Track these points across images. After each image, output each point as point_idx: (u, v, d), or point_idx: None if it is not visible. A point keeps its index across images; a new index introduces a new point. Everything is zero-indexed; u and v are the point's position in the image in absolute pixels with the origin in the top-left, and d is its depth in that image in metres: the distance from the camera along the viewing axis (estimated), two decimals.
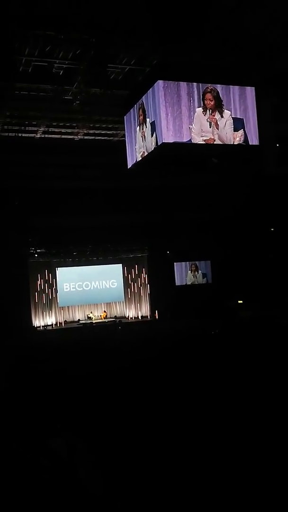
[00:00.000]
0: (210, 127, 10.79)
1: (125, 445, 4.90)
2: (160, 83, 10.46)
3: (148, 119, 11.23)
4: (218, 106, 10.91)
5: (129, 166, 12.89)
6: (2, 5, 10.40)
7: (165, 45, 11.99)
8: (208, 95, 10.80)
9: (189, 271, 22.78)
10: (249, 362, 7.98)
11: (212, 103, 10.83)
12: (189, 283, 22.64)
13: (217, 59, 12.30)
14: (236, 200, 20.47)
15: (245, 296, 20.43)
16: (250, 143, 11.28)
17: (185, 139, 10.59)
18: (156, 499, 4.00)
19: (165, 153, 11.05)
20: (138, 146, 11.98)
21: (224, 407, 5.60)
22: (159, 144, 10.56)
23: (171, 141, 10.47)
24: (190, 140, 10.64)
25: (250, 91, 11.36)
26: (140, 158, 11.85)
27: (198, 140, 10.71)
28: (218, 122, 10.87)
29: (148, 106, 11.16)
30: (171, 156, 11.79)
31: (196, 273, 22.78)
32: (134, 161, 12.40)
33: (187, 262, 22.79)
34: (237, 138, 11.08)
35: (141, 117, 11.59)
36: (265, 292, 19.18)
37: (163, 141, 10.40)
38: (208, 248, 21.81)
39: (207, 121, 10.80)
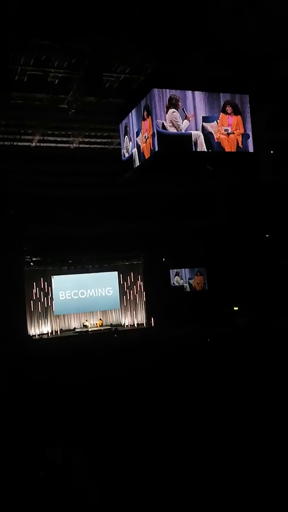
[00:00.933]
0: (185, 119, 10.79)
1: (122, 453, 4.88)
2: (152, 92, 10.51)
3: (139, 134, 11.30)
4: None
5: (125, 174, 12.92)
6: None
7: (160, 53, 12.07)
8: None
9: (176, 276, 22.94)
10: (246, 369, 7.98)
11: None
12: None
13: (213, 68, 12.38)
14: (232, 207, 20.54)
15: (241, 302, 20.45)
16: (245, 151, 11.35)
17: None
18: (153, 506, 3.98)
19: (161, 159, 11.08)
20: (133, 160, 12.03)
21: (222, 414, 5.59)
22: (156, 150, 10.58)
23: (168, 132, 10.45)
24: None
25: (244, 99, 11.43)
26: (137, 166, 11.88)
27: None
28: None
29: (141, 118, 11.21)
30: (167, 164, 11.82)
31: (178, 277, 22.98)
32: (130, 169, 12.42)
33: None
34: None
35: (135, 129, 11.63)
36: (261, 298, 19.20)
37: (158, 130, 10.37)
38: (204, 255, 21.82)
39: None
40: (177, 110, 10.60)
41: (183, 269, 22.91)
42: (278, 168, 17.64)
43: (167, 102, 10.55)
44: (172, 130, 10.54)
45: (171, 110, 10.55)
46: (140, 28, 11.07)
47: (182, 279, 22.92)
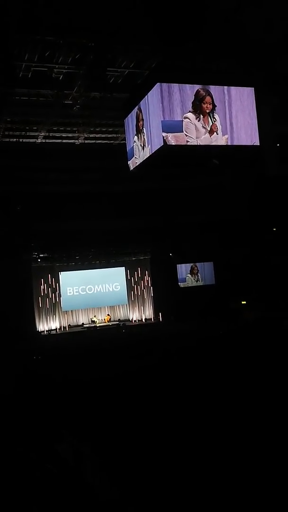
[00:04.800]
0: (205, 133, 10.79)
1: (131, 449, 4.88)
2: (157, 86, 10.48)
3: (145, 128, 11.27)
4: (212, 110, 10.93)
5: (130, 169, 12.90)
6: (1, 11, 10.43)
7: (164, 48, 12.01)
8: (208, 99, 10.80)
9: (189, 274, 22.76)
10: (254, 364, 7.96)
11: (210, 107, 10.83)
12: (190, 285, 22.64)
13: (217, 61, 12.31)
14: (238, 201, 20.45)
15: (249, 297, 20.39)
16: (251, 144, 11.31)
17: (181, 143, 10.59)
18: (164, 501, 3.98)
19: (167, 155, 11.06)
20: (138, 154, 12.01)
21: (230, 411, 5.58)
22: (160, 146, 10.56)
23: (173, 144, 10.48)
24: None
25: (250, 92, 11.37)
26: (143, 160, 11.86)
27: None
28: (218, 126, 10.90)
29: (146, 112, 11.17)
30: (173, 158, 11.80)
31: (197, 276, 22.79)
32: (136, 164, 12.41)
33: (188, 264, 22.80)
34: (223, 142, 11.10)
35: (140, 123, 11.60)
36: (269, 293, 19.14)
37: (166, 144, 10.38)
38: (211, 249, 21.77)
39: (203, 127, 10.78)
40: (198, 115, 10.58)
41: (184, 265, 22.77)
42: (284, 161, 17.53)
43: (193, 98, 10.54)
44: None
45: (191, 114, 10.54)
46: (143, 22, 11.00)
47: (196, 276, 22.69)
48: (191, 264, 22.69)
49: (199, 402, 5.96)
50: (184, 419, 5.49)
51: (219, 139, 10.94)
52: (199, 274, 22.74)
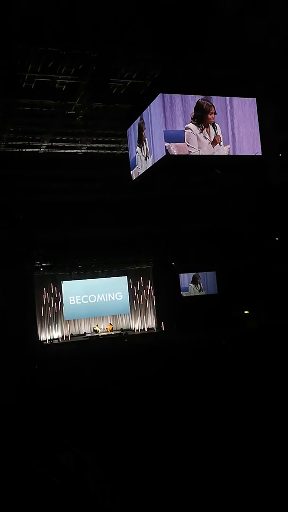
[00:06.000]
0: (208, 144, 10.85)
1: (134, 458, 4.86)
2: (160, 96, 10.54)
3: (147, 138, 11.33)
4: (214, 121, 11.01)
5: (133, 178, 12.95)
6: (4, 22, 10.53)
7: (167, 58, 12.09)
8: (212, 110, 10.87)
9: (192, 284, 22.73)
10: (258, 372, 7.93)
11: (213, 118, 10.90)
12: (193, 294, 22.61)
13: (218, 71, 12.38)
14: (240, 210, 20.48)
15: (252, 306, 20.34)
16: (253, 154, 11.35)
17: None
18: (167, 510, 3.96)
19: (169, 165, 11.10)
20: (140, 164, 12.06)
21: (235, 419, 5.55)
22: (162, 156, 10.61)
23: (175, 154, 10.52)
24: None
25: (251, 102, 11.44)
26: (145, 170, 11.91)
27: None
28: (220, 137, 10.96)
29: (148, 122, 11.24)
30: (175, 168, 11.85)
31: (199, 285, 22.78)
32: (138, 174, 12.46)
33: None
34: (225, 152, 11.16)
35: (143, 134, 11.66)
36: (272, 302, 19.10)
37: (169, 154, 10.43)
38: (214, 258, 21.75)
39: (205, 138, 10.84)
40: (200, 126, 10.64)
41: (186, 275, 22.76)
42: (286, 169, 17.56)
43: (192, 112, 10.60)
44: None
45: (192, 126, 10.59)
46: (145, 32, 11.10)
47: (199, 285, 22.69)
48: (194, 273, 22.66)
49: (202, 412, 5.93)
50: (187, 428, 5.47)
51: (221, 150, 10.99)
52: (201, 284, 22.70)
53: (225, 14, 10.80)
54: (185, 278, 22.73)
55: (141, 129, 11.91)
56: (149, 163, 11.55)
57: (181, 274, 22.61)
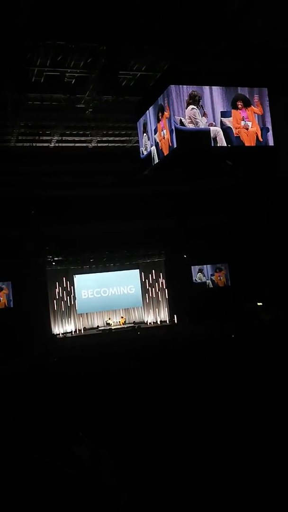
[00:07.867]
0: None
1: (149, 452, 4.87)
2: (171, 88, 10.46)
3: (159, 130, 11.27)
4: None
5: (143, 171, 12.89)
6: (12, 17, 10.52)
7: (175, 51, 12.00)
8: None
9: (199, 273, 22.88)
10: (271, 366, 7.88)
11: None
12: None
13: (228, 62, 12.26)
14: (252, 202, 20.35)
15: (264, 298, 20.23)
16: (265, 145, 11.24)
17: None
18: (180, 504, 3.97)
19: (181, 157, 11.04)
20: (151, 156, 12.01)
21: (250, 415, 5.53)
22: (174, 147, 10.53)
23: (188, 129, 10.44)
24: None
25: (263, 93, 11.32)
26: (156, 163, 11.84)
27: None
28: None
29: (160, 114, 11.17)
30: (187, 159, 11.76)
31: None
32: (149, 166, 12.39)
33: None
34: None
35: (155, 126, 11.57)
36: (285, 294, 18.97)
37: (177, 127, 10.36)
38: (226, 250, 21.68)
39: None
40: (197, 107, 10.54)
41: (205, 266, 22.84)
42: None
43: (187, 98, 10.48)
44: (190, 126, 10.48)
45: (190, 107, 10.48)
46: (153, 25, 11.01)
47: (204, 275, 22.85)
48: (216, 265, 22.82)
49: (220, 409, 5.89)
50: (204, 425, 5.45)
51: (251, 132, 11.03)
52: (224, 276, 22.94)
53: (231, 6, 10.69)
54: (196, 270, 22.76)
55: (151, 122, 11.83)
56: (161, 155, 11.47)
57: (193, 267, 22.60)
